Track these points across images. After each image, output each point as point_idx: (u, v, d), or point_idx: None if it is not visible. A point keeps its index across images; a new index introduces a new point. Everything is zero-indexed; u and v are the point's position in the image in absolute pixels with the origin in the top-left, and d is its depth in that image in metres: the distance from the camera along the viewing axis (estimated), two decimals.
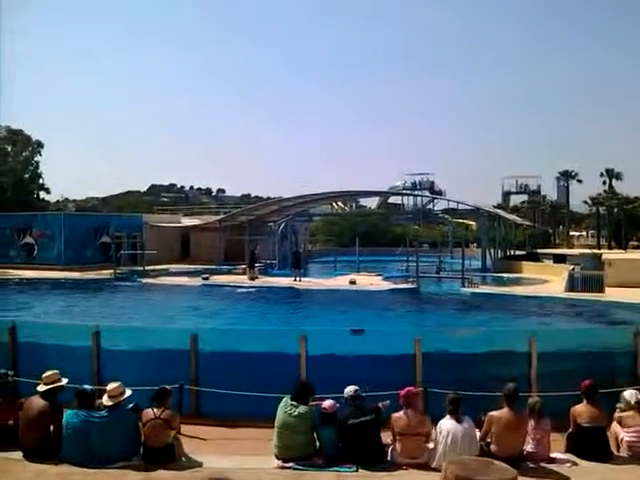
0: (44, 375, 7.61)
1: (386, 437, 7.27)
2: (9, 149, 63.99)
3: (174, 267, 37.19)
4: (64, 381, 7.72)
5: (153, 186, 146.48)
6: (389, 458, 7.10)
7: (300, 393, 7.41)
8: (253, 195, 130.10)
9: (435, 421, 7.17)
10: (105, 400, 7.23)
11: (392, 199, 69.16)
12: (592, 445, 7.26)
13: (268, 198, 66.01)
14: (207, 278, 30.03)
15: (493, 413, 7.14)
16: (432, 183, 70.39)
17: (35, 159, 65.05)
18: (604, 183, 70.51)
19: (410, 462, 6.99)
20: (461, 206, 40.79)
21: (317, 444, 7.25)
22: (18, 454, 7.21)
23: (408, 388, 7.43)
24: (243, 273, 32.05)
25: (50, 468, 6.83)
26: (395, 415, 7.19)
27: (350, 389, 7.38)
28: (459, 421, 6.86)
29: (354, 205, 73.99)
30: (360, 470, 6.86)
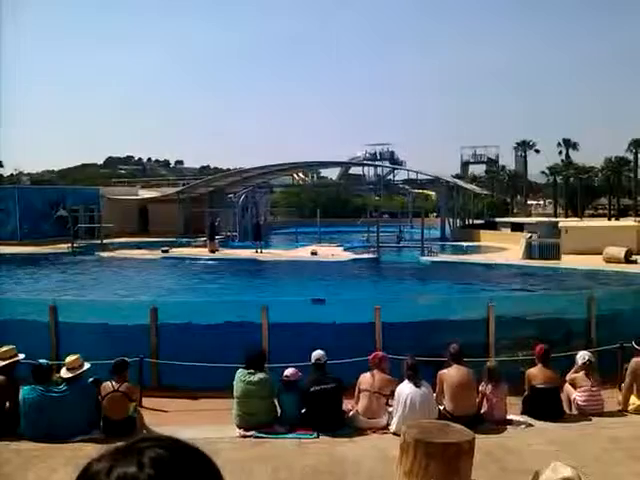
0: (0, 350, 7.46)
1: (348, 404, 7.39)
2: None
3: (132, 240, 36.64)
4: (21, 356, 7.60)
5: (110, 158, 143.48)
6: (350, 421, 7.21)
7: (256, 361, 7.44)
8: (212, 166, 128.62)
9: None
10: (64, 372, 7.14)
11: (353, 170, 69.08)
12: (546, 406, 7.50)
13: (228, 170, 65.28)
14: (167, 251, 29.66)
15: (442, 371, 7.36)
16: (392, 153, 70.35)
17: None
18: (560, 153, 71.81)
19: (370, 423, 7.12)
20: (421, 176, 41.05)
21: (278, 411, 7.31)
22: None
23: (376, 352, 7.56)
24: (204, 246, 31.74)
25: (8, 444, 6.74)
26: (363, 375, 7.35)
27: (315, 354, 7.42)
28: (417, 386, 6.98)
29: (315, 176, 73.75)
30: (321, 436, 6.95)
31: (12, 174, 78.50)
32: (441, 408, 7.23)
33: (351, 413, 7.29)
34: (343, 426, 7.14)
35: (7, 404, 7.16)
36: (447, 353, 7.50)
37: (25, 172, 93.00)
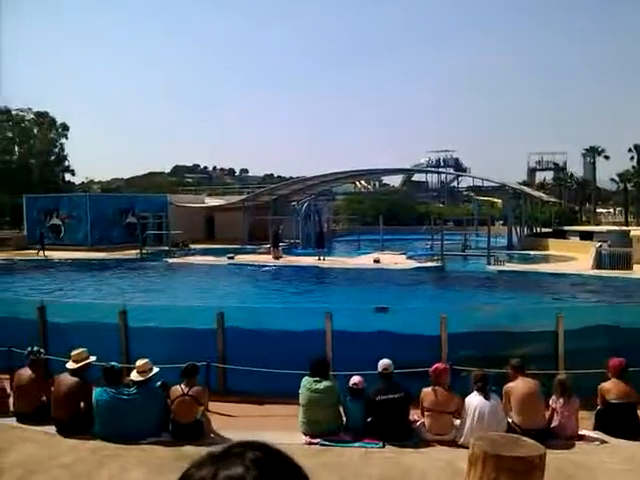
0: (73, 353, 7.74)
1: (414, 414, 7.31)
2: (35, 131, 64.59)
3: (199, 246, 37.39)
4: (92, 358, 7.85)
5: (177, 167, 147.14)
6: (417, 434, 7.13)
7: (321, 368, 7.45)
8: (276, 175, 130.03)
9: (462, 399, 7.18)
10: (134, 376, 7.34)
11: (416, 177, 68.59)
12: (622, 422, 7.20)
13: (291, 178, 65.89)
14: (232, 257, 30.15)
15: (508, 384, 7.20)
16: (456, 160, 69.56)
17: (60, 141, 65.64)
18: (632, 159, 69.11)
19: (437, 438, 7.02)
20: (486, 183, 40.31)
21: (343, 419, 7.30)
22: (52, 428, 7.40)
23: (436, 365, 7.43)
24: (267, 252, 32.09)
25: (83, 443, 6.99)
26: (424, 391, 7.23)
27: (381, 363, 7.37)
28: (487, 397, 6.85)
29: (377, 184, 73.61)
30: (387, 446, 6.90)
31: (83, 182, 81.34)
32: (509, 421, 7.07)
33: (418, 424, 7.21)
34: (409, 436, 7.07)
35: (81, 405, 7.42)
36: (509, 366, 7.34)
37: (95, 180, 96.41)
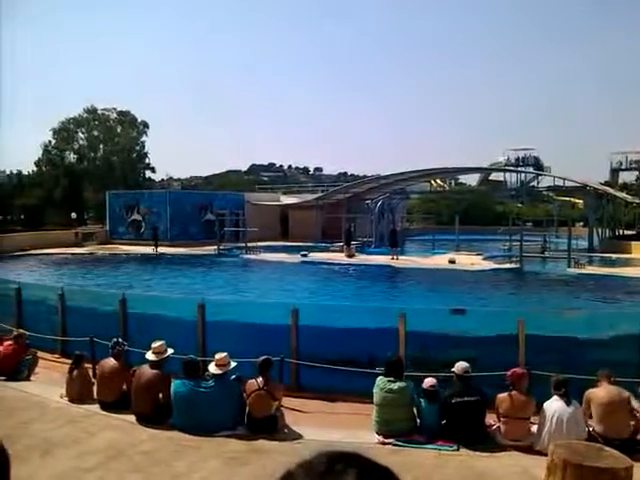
0: (153, 345, 7.98)
1: (490, 419, 7.15)
2: (118, 130, 67.08)
3: (274, 244, 37.90)
4: (170, 351, 8.08)
5: (253, 165, 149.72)
6: (492, 438, 6.98)
7: (395, 368, 7.39)
8: (350, 173, 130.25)
9: (539, 404, 6.97)
10: (213, 369, 7.50)
11: (493, 176, 67.00)
12: None
13: (364, 176, 65.71)
14: (306, 255, 30.41)
15: (590, 390, 6.92)
16: (536, 159, 67.48)
17: (142, 139, 67.92)
18: None
19: (513, 444, 6.84)
20: (567, 183, 38.92)
21: (417, 421, 7.23)
22: (132, 417, 7.67)
23: (514, 369, 7.24)
24: (340, 250, 32.17)
25: (162, 433, 7.22)
26: (500, 396, 7.06)
27: (460, 366, 7.25)
28: (567, 403, 6.62)
29: (453, 182, 72.34)
30: (461, 449, 6.79)
31: (163, 179, 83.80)
32: (590, 430, 6.80)
33: (493, 428, 7.05)
34: (485, 440, 6.92)
35: (160, 396, 7.66)
36: (601, 374, 7.04)
37: (175, 178, 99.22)
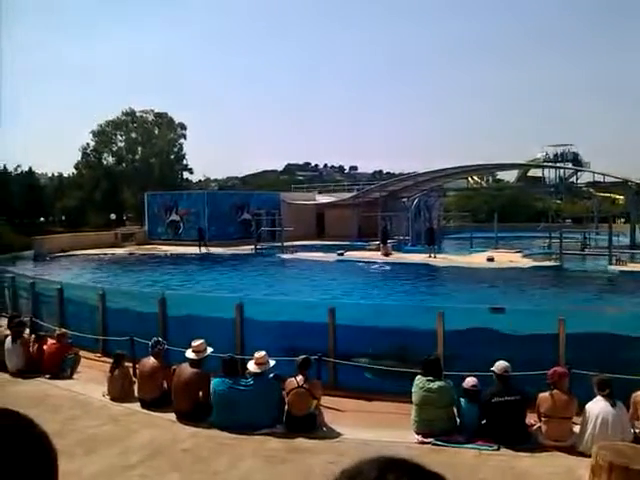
0: (193, 343, 8.07)
1: (531, 418, 7.04)
2: (156, 131, 68.04)
3: (310, 243, 37.97)
4: (209, 350, 8.16)
5: (289, 165, 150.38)
6: (533, 438, 6.87)
7: (434, 368, 7.33)
8: (385, 171, 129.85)
9: (580, 404, 6.83)
10: (253, 367, 7.55)
11: (532, 172, 65.97)
12: None
13: (400, 174, 65.40)
14: (342, 254, 30.38)
15: (638, 392, 6.73)
16: (575, 154, 66.25)
17: (179, 141, 68.76)
18: None
19: (555, 444, 6.72)
20: (607, 179, 38.11)
21: (457, 420, 7.16)
22: (172, 415, 7.78)
23: (555, 368, 7.12)
24: (376, 249, 32.06)
25: (201, 431, 7.31)
26: (541, 395, 6.95)
27: (500, 365, 7.16)
28: (611, 404, 6.47)
29: (491, 179, 71.44)
30: (502, 449, 6.70)
31: (200, 180, 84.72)
32: (635, 432, 6.64)
33: (534, 428, 6.94)
34: (526, 440, 6.82)
35: (200, 394, 7.75)
36: None
37: (212, 178, 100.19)
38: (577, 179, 46.34)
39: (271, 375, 7.75)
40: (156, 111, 68.16)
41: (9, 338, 10.47)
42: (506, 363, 7.17)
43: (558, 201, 53.94)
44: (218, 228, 40.37)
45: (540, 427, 6.90)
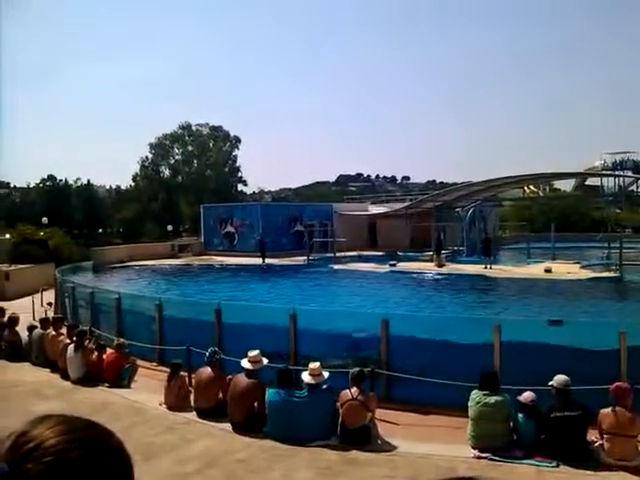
0: (249, 354, 8.15)
1: (592, 435, 6.82)
2: (211, 145, 69.37)
3: (362, 253, 37.87)
4: (265, 361, 8.23)
5: (341, 176, 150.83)
6: (595, 456, 6.65)
7: (491, 382, 7.21)
8: (438, 181, 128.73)
9: None
10: (307, 378, 7.57)
11: (590, 181, 64.29)
12: None
13: (454, 184, 64.66)
14: (394, 265, 30.19)
15: None
16: (635, 162, 64.22)
17: (234, 153, 69.90)
18: None
19: (620, 464, 6.48)
20: None
21: (514, 435, 7.01)
22: (227, 425, 7.86)
23: (618, 383, 6.89)
24: (430, 260, 31.72)
25: (256, 442, 7.36)
26: (603, 411, 6.72)
27: (559, 379, 6.98)
28: None
29: (547, 188, 69.92)
30: (561, 466, 6.51)
31: (254, 192, 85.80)
32: None
33: (596, 444, 6.72)
34: (587, 458, 6.61)
35: (256, 405, 7.81)
36: None
37: (266, 190, 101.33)
38: (638, 187, 44.81)
39: (324, 387, 7.76)
40: (211, 124, 69.57)
41: (71, 347, 10.80)
42: (565, 377, 6.99)
43: (618, 210, 52.34)
44: (272, 239, 40.69)
45: (602, 444, 6.67)
